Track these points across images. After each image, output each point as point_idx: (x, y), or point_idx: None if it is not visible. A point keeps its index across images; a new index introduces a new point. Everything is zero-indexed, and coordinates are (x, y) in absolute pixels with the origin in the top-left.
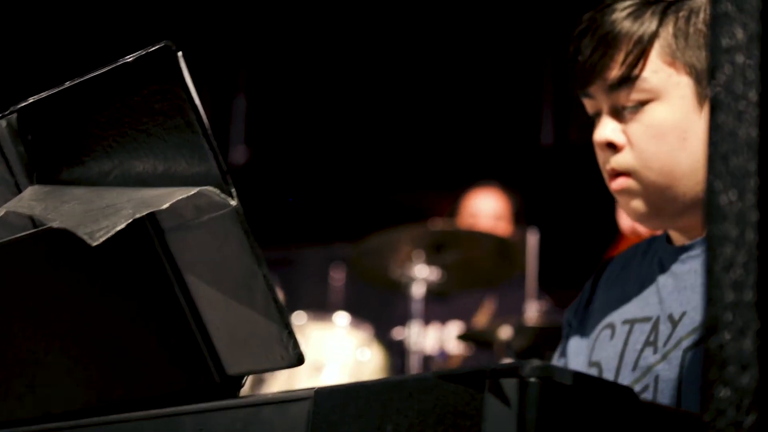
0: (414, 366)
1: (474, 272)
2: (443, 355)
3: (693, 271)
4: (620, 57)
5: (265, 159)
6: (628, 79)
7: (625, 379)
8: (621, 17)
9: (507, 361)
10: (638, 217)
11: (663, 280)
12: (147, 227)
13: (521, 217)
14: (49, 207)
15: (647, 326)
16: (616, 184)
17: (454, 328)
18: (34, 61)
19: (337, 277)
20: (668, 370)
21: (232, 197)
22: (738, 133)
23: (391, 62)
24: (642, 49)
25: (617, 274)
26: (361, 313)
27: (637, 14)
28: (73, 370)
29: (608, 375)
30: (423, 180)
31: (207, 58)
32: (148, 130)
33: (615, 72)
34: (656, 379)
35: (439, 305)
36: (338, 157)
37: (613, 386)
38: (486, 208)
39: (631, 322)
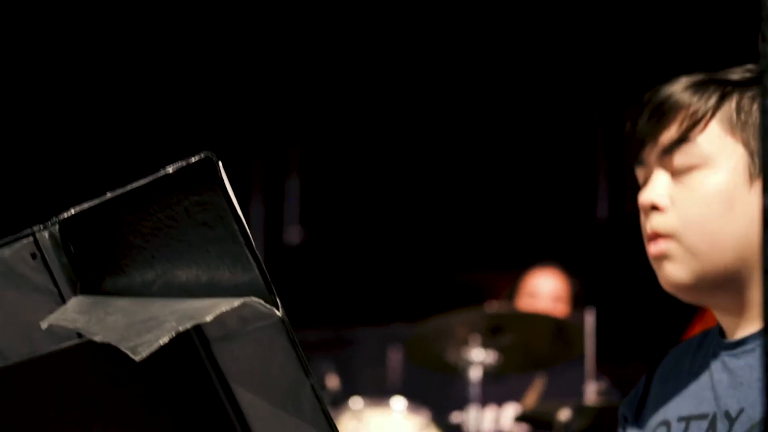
0: None
1: (531, 355)
2: None
3: (749, 366)
4: (677, 122)
5: (320, 239)
6: (682, 142)
7: None
8: (680, 89)
9: None
10: (675, 285)
11: (718, 375)
12: (193, 338)
13: (580, 298)
14: (93, 320)
15: (704, 424)
16: (656, 247)
17: (511, 408)
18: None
19: (395, 358)
20: None
21: (278, 307)
22: None
23: (445, 144)
24: (700, 117)
25: (671, 368)
26: (418, 398)
27: (698, 88)
28: None
29: None
30: (480, 260)
31: (260, 136)
32: (191, 241)
33: (670, 135)
34: None
35: (496, 386)
36: (394, 237)
37: None
38: (545, 289)
39: (687, 420)
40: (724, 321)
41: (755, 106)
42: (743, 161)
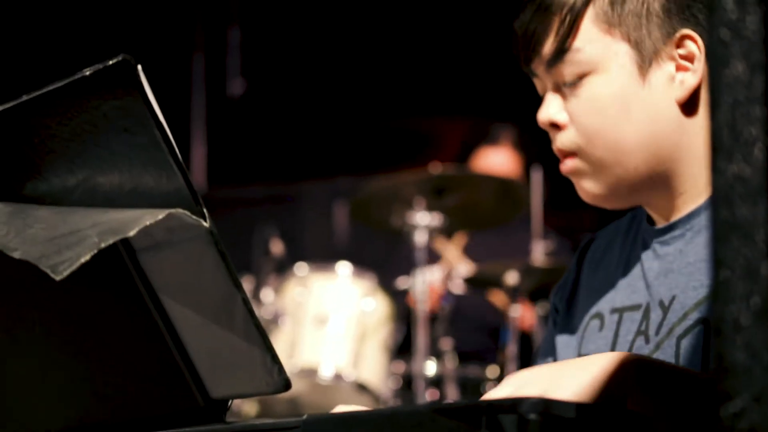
0: (420, 317)
1: (477, 215)
2: (449, 298)
3: (678, 251)
4: (554, 27)
5: (262, 90)
6: (563, 52)
7: None
8: None
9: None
10: (593, 198)
11: (648, 263)
12: (118, 248)
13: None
14: (12, 231)
15: (637, 315)
16: (565, 166)
17: (462, 267)
18: None
19: (341, 213)
20: (663, 360)
21: (205, 218)
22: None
23: None
24: (574, 21)
25: (600, 256)
26: (364, 262)
27: None
28: (52, 392)
29: None
30: (427, 106)
31: None
32: (112, 148)
33: (550, 45)
34: None
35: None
36: (338, 86)
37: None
38: (496, 167)
39: (620, 311)
40: (652, 210)
41: None
42: (629, 57)
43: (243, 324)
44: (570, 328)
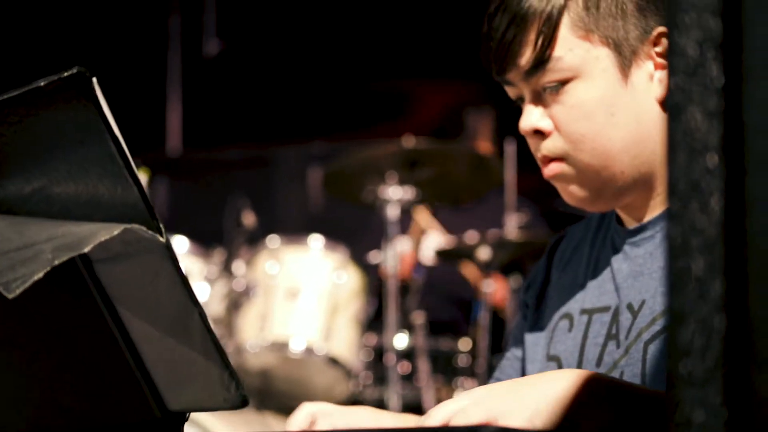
0: (391, 290)
1: (450, 189)
2: (419, 270)
3: (648, 254)
4: (531, 38)
5: (238, 51)
6: (543, 62)
7: None
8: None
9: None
10: (578, 201)
11: (618, 265)
12: (75, 259)
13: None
14: None
15: (606, 317)
16: (549, 170)
17: (432, 240)
18: None
19: (315, 177)
20: (631, 365)
21: (161, 234)
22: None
23: None
24: (552, 27)
25: (570, 255)
26: (336, 232)
27: None
28: (7, 398)
29: None
30: (407, 68)
31: None
32: (68, 158)
33: (528, 56)
34: (621, 375)
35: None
36: (315, 47)
37: None
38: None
39: (590, 312)
40: (625, 211)
41: None
42: (610, 60)
43: (200, 339)
44: (539, 326)
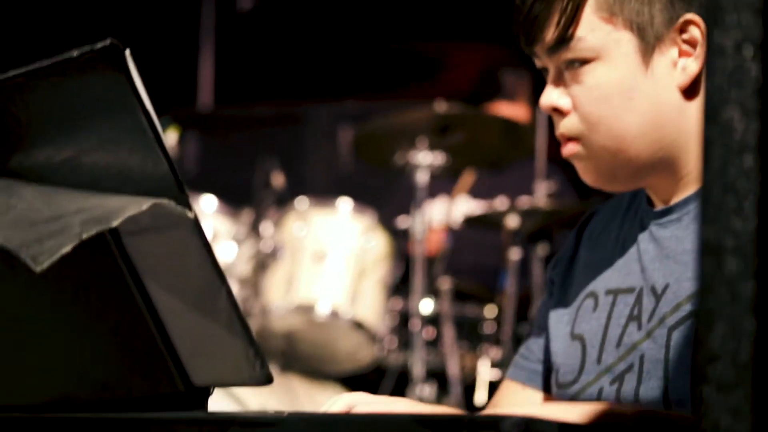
0: (418, 256)
1: (481, 154)
2: (449, 238)
3: (675, 237)
4: (556, 15)
5: (272, 6)
6: (565, 40)
7: (609, 356)
8: None
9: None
10: (594, 181)
11: (644, 245)
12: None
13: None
14: None
15: (630, 298)
16: (566, 150)
17: (463, 204)
18: None
19: (345, 136)
20: (654, 350)
21: (190, 209)
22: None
23: None
24: (576, 6)
25: (599, 233)
26: (365, 194)
27: None
28: (34, 366)
29: (592, 350)
30: (442, 30)
31: None
32: (99, 129)
33: (552, 33)
34: (641, 358)
35: (448, 182)
36: (351, 3)
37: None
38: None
39: (615, 293)
40: (653, 192)
41: None
42: (632, 45)
43: (226, 316)
44: (564, 302)
